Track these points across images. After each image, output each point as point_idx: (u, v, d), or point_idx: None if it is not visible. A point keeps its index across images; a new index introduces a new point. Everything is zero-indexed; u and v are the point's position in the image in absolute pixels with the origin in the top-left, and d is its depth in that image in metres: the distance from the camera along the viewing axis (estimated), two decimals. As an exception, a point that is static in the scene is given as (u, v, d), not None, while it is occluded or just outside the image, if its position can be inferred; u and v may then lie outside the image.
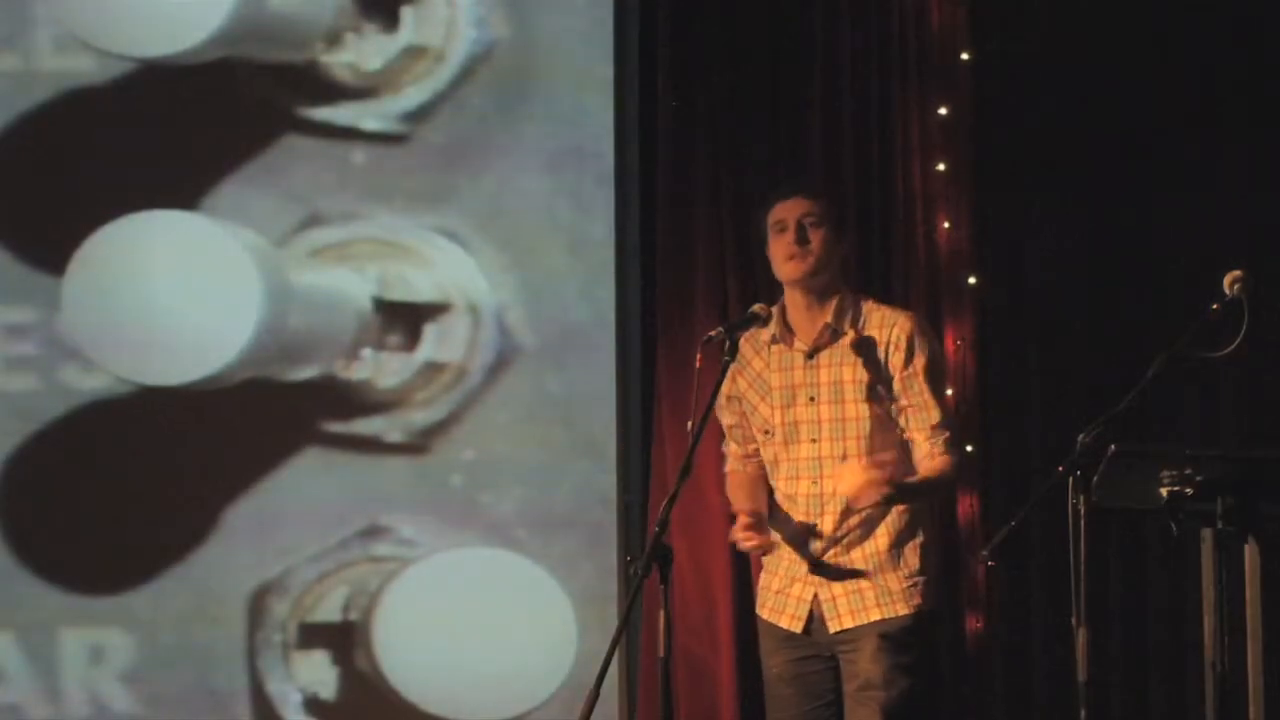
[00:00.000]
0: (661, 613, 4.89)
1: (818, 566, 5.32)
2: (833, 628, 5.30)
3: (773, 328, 5.37)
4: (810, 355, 5.35)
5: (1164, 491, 4.68)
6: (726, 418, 5.45)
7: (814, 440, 5.33)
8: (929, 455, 5.29)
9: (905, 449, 5.34)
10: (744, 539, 5.27)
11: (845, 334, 5.34)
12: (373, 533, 6.77)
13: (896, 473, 5.25)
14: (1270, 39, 6.53)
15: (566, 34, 6.84)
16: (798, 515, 5.35)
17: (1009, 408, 6.63)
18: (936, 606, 5.39)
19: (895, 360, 5.30)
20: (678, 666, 6.51)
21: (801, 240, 5.32)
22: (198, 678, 6.77)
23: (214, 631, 6.76)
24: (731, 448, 5.51)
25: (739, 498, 5.46)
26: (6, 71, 6.86)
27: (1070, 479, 4.64)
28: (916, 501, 5.33)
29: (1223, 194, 6.55)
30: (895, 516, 5.32)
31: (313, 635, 6.78)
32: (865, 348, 5.32)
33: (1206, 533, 4.72)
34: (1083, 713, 4.68)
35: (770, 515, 5.42)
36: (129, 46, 6.83)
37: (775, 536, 5.38)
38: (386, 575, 6.76)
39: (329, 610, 6.78)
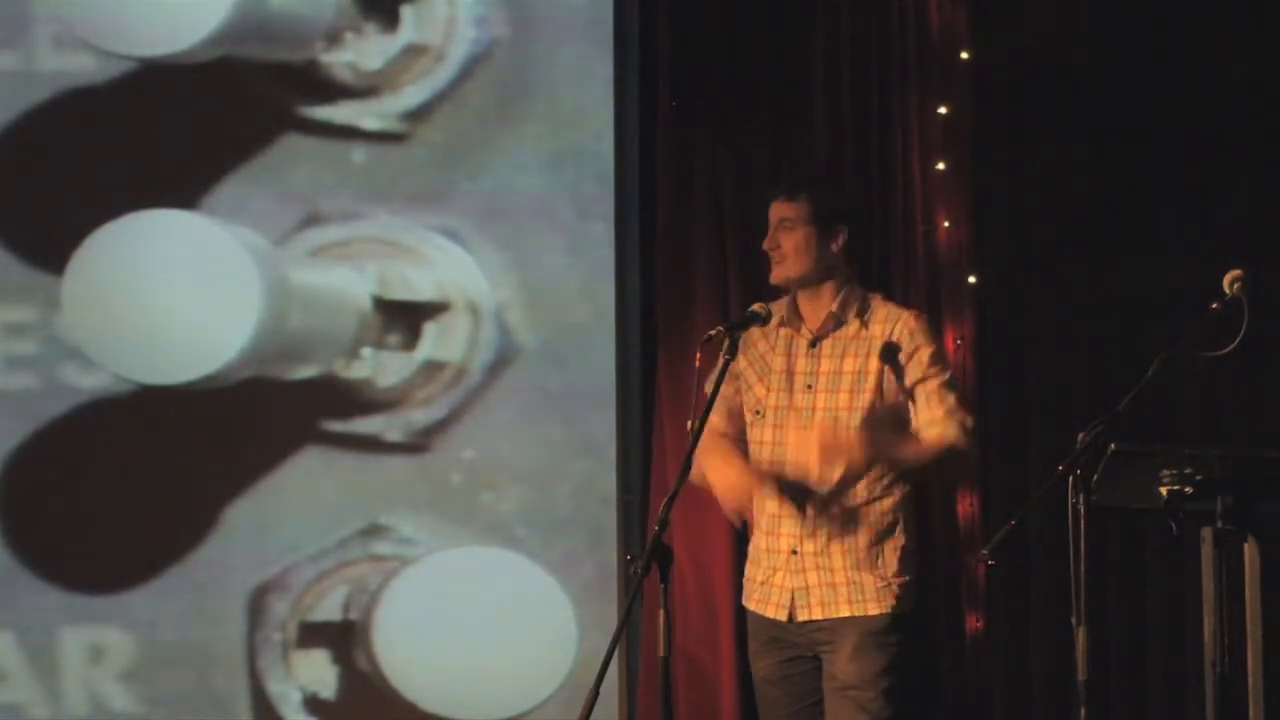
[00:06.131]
0: (661, 613, 4.89)
1: (796, 553, 5.32)
2: (801, 617, 5.30)
3: (784, 310, 5.39)
4: (814, 343, 5.36)
5: (1164, 491, 4.68)
6: (722, 389, 5.40)
7: (804, 428, 5.33)
8: (935, 434, 5.27)
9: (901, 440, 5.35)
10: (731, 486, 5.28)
11: (849, 323, 5.35)
12: (373, 532, 6.77)
13: (871, 444, 5.23)
14: (1270, 39, 6.53)
15: (566, 34, 6.84)
16: (784, 500, 5.34)
17: (1009, 408, 6.63)
18: (914, 609, 5.38)
19: (901, 354, 5.31)
20: (678, 666, 6.52)
21: (773, 245, 5.36)
22: (198, 678, 6.77)
23: (214, 631, 6.76)
24: (713, 419, 5.45)
25: (716, 460, 5.32)
26: (6, 71, 6.86)
27: (1070, 479, 4.64)
28: (905, 465, 5.29)
29: (1223, 194, 6.56)
30: (879, 516, 5.32)
31: (313, 634, 6.78)
32: (868, 341, 5.33)
33: (1206, 532, 4.72)
34: (1083, 713, 4.68)
35: (754, 505, 5.43)
36: (129, 46, 6.83)
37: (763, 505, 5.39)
38: (386, 574, 6.76)
39: (329, 609, 6.78)
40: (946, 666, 6.54)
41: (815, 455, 5.18)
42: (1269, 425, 6.39)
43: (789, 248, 5.35)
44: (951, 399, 5.29)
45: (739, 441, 5.43)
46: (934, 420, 5.26)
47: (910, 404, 5.31)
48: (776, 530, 5.36)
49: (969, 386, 6.57)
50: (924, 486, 5.92)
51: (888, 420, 5.29)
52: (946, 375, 5.32)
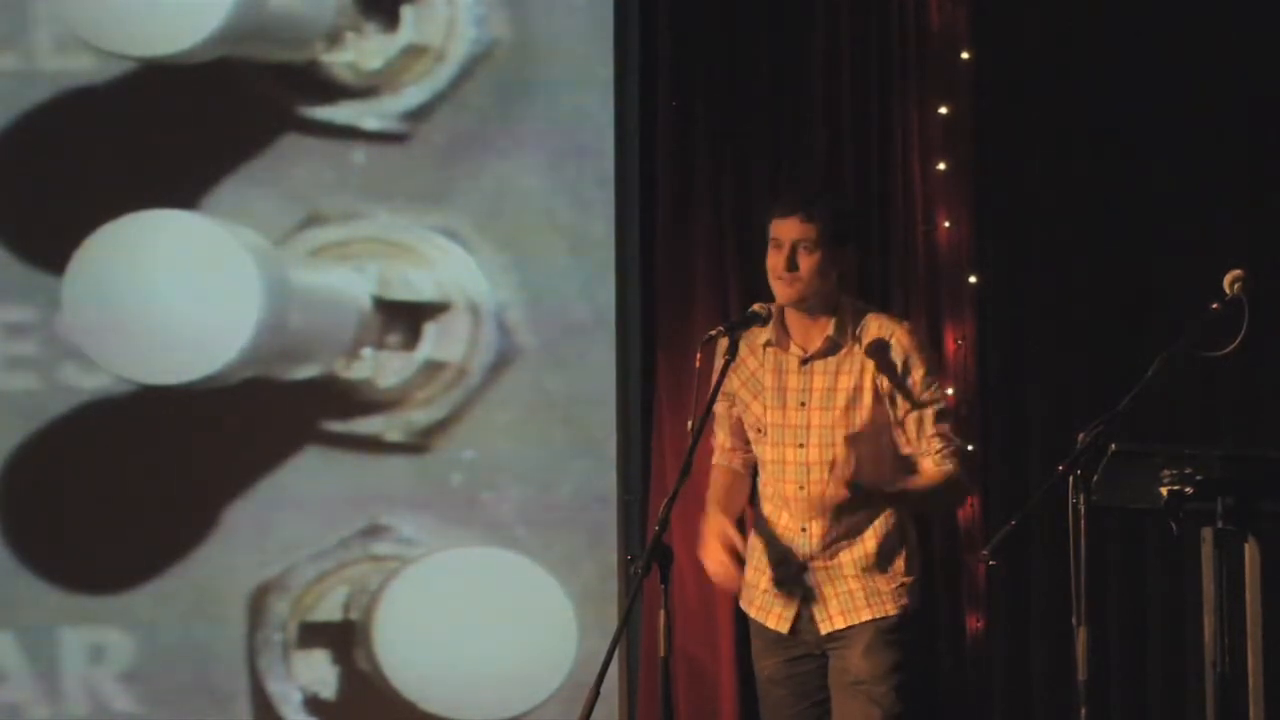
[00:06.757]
0: (661, 613, 4.89)
1: (806, 569, 5.32)
2: (824, 629, 5.30)
3: (770, 331, 5.35)
4: (805, 361, 5.34)
5: (1164, 491, 4.68)
6: (719, 406, 5.42)
7: (801, 445, 5.32)
8: (931, 465, 5.28)
9: (897, 456, 5.34)
10: (716, 567, 5.29)
11: (844, 345, 5.32)
12: (373, 532, 6.78)
13: (878, 476, 5.25)
14: (1270, 39, 6.54)
15: (566, 34, 6.84)
16: (788, 516, 5.34)
17: (1009, 408, 6.64)
18: (920, 607, 5.40)
19: (892, 371, 5.29)
20: (678, 666, 6.52)
21: (792, 265, 5.30)
22: (198, 677, 6.77)
23: (214, 630, 6.76)
24: (719, 437, 5.49)
25: (716, 494, 5.44)
26: (6, 71, 6.86)
27: (1070, 479, 4.64)
28: (916, 508, 5.32)
29: (1223, 194, 6.56)
30: (883, 521, 5.31)
31: (313, 634, 6.78)
32: (861, 358, 5.30)
33: (1206, 532, 4.72)
34: (1083, 713, 4.68)
35: (758, 513, 5.43)
36: (129, 46, 6.83)
37: (756, 541, 5.40)
38: (387, 574, 6.76)
39: (329, 609, 6.78)
40: (946, 666, 6.54)
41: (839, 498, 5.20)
42: (1269, 425, 6.39)
43: (806, 269, 5.28)
44: (946, 426, 5.29)
45: (746, 452, 5.45)
46: (930, 450, 5.26)
47: (899, 431, 5.29)
48: (786, 544, 5.35)
49: (969, 386, 6.58)
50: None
51: (871, 442, 5.29)
52: (940, 403, 5.30)
